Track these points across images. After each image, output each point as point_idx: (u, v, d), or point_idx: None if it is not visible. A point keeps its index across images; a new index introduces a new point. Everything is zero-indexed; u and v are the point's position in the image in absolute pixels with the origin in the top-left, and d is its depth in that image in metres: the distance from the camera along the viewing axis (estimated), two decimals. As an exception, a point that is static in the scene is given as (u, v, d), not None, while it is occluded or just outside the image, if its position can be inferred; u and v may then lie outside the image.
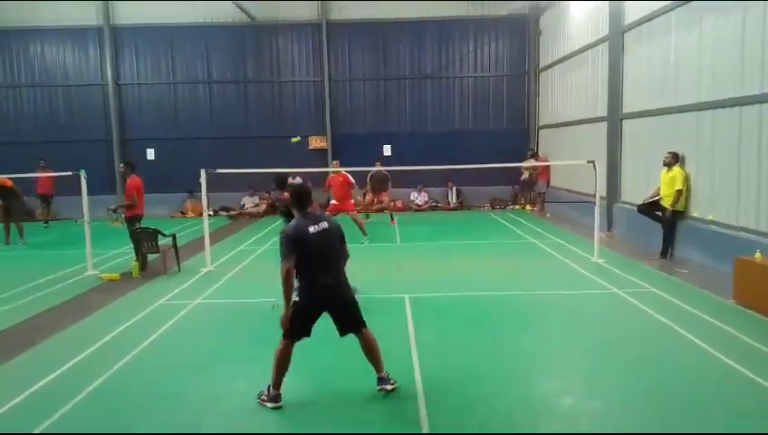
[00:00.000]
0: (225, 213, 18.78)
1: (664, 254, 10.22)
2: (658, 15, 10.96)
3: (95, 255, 10.62)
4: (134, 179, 10.16)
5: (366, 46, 19.52)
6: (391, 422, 4.53)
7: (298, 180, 5.36)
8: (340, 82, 19.60)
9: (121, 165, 10.96)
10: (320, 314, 4.88)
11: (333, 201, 12.87)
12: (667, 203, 10.12)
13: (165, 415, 4.75)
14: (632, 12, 12.10)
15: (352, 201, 13.06)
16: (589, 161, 10.44)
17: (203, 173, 10.22)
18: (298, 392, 5.01)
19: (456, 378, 5.32)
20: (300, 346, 4.87)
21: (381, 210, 16.88)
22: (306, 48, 19.50)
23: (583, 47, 14.91)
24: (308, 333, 4.87)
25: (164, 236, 10.19)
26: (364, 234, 12.49)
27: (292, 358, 4.82)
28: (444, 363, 5.70)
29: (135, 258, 9.99)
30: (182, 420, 4.65)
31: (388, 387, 4.93)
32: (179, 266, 10.25)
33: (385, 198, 16.69)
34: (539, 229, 14.08)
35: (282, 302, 4.69)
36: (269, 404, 4.77)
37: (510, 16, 19.15)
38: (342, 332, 4.96)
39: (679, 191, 9.91)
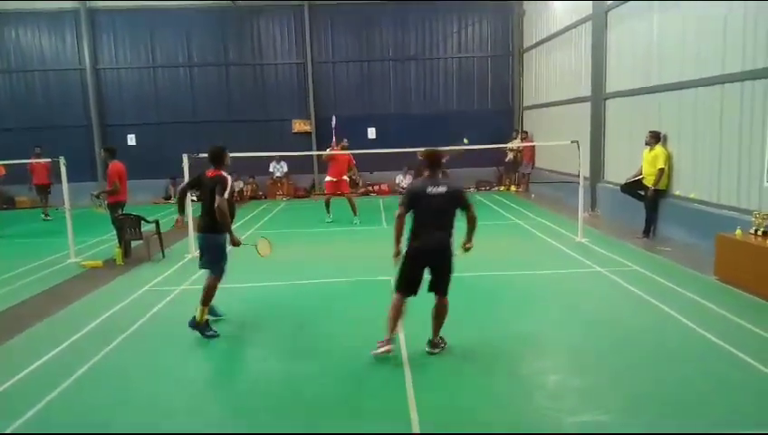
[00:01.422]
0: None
1: (647, 232, 10.33)
2: (641, -6, 10.96)
3: (77, 242, 10.48)
4: (116, 165, 10.02)
5: (349, 28, 19.32)
6: (380, 394, 4.55)
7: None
8: (323, 64, 19.42)
9: (102, 151, 10.78)
10: (423, 269, 5.30)
11: (330, 177, 13.11)
12: (649, 182, 10.20)
13: (151, 401, 4.72)
14: (615, -10, 12.10)
15: (346, 178, 13.29)
16: (573, 141, 10.47)
17: (185, 158, 10.10)
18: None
19: (443, 358, 5.35)
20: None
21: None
22: (288, 30, 19.26)
23: (567, 27, 14.88)
24: (414, 292, 5.30)
25: (147, 222, 10.08)
26: (355, 214, 12.88)
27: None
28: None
29: (118, 245, 9.89)
30: (169, 406, 4.63)
31: (429, 349, 5.43)
32: (163, 253, 10.16)
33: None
34: (524, 210, 14.15)
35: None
36: (384, 348, 5.17)
37: (493, -4, 19.04)
38: (432, 288, 5.37)
39: (661, 170, 9.99)
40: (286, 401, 4.64)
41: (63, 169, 10.20)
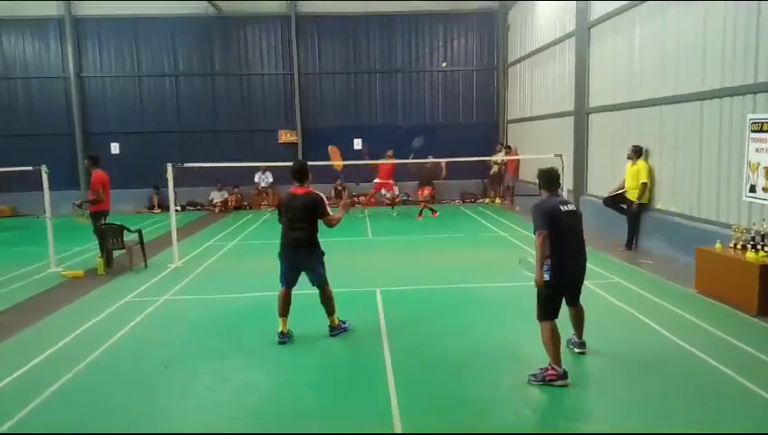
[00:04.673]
0: (192, 208, 18.55)
1: (629, 245, 10.46)
2: (623, 11, 11.16)
3: (58, 252, 10.36)
4: (99, 174, 9.93)
5: (336, 40, 19.41)
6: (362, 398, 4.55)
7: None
8: (309, 75, 19.46)
9: (86, 159, 10.68)
10: (567, 289, 5.28)
11: (377, 180, 16.53)
12: (632, 196, 10.34)
13: (132, 412, 4.66)
14: (598, 7, 12.29)
15: (391, 181, 16.69)
16: (556, 155, 10.57)
17: (169, 167, 10.04)
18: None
19: (426, 368, 5.36)
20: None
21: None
22: (275, 41, 19.30)
23: (550, 42, 15.09)
24: (560, 306, 5.19)
25: (130, 231, 9.98)
26: (393, 207, 16.63)
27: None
28: (414, 353, 5.73)
29: (100, 255, 9.78)
30: (150, 417, 4.57)
31: (579, 350, 5.59)
32: (146, 263, 10.06)
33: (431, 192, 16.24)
34: (508, 222, 14.25)
35: (529, 258, 5.37)
36: (559, 382, 4.95)
37: (479, 11, 19.29)
38: (569, 302, 5.43)
39: (644, 184, 10.14)
40: (268, 411, 4.60)
41: (45, 178, 10.09)
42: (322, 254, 6.20)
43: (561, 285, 5.12)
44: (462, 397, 4.80)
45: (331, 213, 6.15)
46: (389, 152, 16.10)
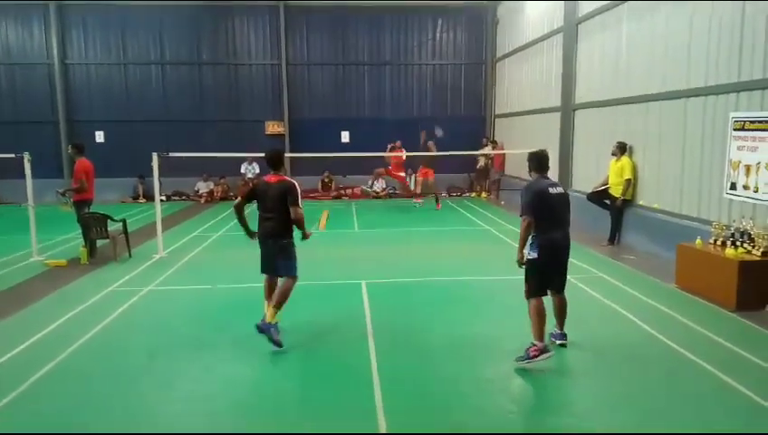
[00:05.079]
0: (177, 198, 18.43)
1: (612, 240, 10.58)
2: (611, 8, 11.23)
3: (41, 241, 10.25)
4: (83, 162, 9.81)
5: (325, 31, 19.31)
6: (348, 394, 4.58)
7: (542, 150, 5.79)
8: (298, 66, 19.36)
9: (70, 147, 10.55)
10: (553, 267, 5.34)
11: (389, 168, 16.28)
12: (615, 192, 10.45)
13: (115, 403, 4.64)
14: (586, 4, 12.36)
15: (402, 174, 16.55)
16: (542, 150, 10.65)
17: (155, 157, 9.96)
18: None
19: (410, 361, 5.40)
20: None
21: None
22: (264, 31, 19.15)
23: (539, 38, 15.15)
24: (550, 284, 5.35)
25: (114, 221, 9.90)
26: (411, 196, 16.67)
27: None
28: (398, 345, 5.77)
29: (83, 244, 9.69)
30: (134, 409, 4.56)
31: (560, 342, 5.60)
32: (130, 253, 9.99)
33: (431, 177, 16.42)
34: (493, 216, 14.33)
35: None
36: (543, 356, 5.10)
37: (468, 6, 19.29)
38: (552, 287, 5.45)
39: (629, 180, 10.25)
40: (252, 404, 4.62)
41: (28, 165, 9.97)
42: (292, 245, 5.91)
43: (548, 264, 5.28)
44: (445, 391, 4.84)
45: (300, 205, 5.77)
46: (398, 143, 16.00)
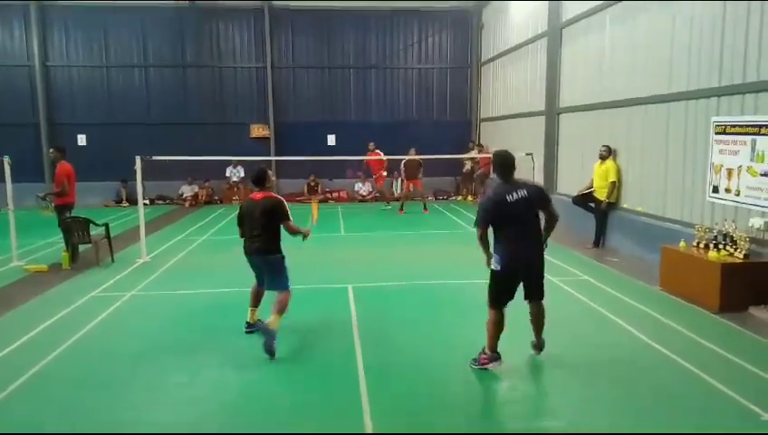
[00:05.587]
0: (161, 202, 18.25)
1: (597, 243, 10.66)
2: (595, 13, 11.33)
3: (21, 245, 10.08)
4: (64, 165, 9.67)
5: (310, 34, 19.26)
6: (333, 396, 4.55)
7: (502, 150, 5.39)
8: (283, 69, 19.28)
9: (51, 150, 10.40)
10: (519, 279, 5.11)
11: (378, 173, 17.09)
12: (600, 195, 10.54)
13: (99, 408, 4.56)
14: (570, 9, 12.46)
15: (384, 173, 17.27)
16: (527, 154, 10.72)
17: (138, 160, 9.84)
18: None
19: (397, 363, 5.38)
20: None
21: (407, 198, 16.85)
22: (249, 33, 19.05)
23: (523, 42, 15.25)
24: (511, 297, 5.10)
25: (96, 225, 9.77)
26: (386, 202, 17.27)
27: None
28: (384, 348, 5.76)
29: (65, 249, 9.54)
30: (120, 414, 4.49)
31: (534, 352, 5.43)
32: (113, 257, 9.86)
33: (419, 185, 16.36)
34: (480, 220, 14.34)
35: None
36: (492, 365, 5.05)
37: (453, 9, 19.38)
38: (528, 296, 5.22)
39: (614, 183, 10.34)
40: (239, 408, 4.57)
41: (8, 168, 9.80)
42: (283, 258, 5.93)
43: (509, 275, 5.06)
44: (432, 393, 4.82)
45: (291, 219, 5.89)
46: (371, 144, 16.64)
